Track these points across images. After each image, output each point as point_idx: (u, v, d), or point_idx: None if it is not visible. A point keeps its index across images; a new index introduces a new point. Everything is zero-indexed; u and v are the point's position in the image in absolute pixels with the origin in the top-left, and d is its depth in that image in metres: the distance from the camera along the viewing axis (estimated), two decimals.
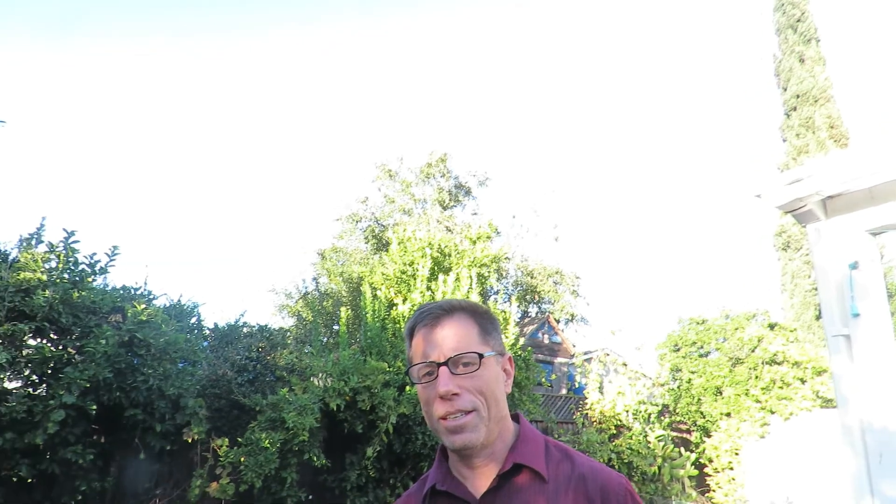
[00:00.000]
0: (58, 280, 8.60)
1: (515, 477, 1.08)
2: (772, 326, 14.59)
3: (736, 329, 14.56)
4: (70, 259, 9.00)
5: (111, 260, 9.31)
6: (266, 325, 11.55)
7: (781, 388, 13.22)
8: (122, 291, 9.27)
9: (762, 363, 13.58)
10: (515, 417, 1.19)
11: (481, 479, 1.09)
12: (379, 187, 22.60)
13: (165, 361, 8.79)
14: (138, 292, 9.46)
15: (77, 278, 8.96)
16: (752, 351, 13.87)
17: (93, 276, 9.17)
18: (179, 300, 10.84)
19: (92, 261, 9.20)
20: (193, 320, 10.84)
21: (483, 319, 1.15)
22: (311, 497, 9.81)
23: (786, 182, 2.54)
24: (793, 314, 21.10)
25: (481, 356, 1.08)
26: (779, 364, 13.49)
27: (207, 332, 10.99)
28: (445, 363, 1.07)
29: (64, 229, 8.98)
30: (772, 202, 2.66)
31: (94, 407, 8.08)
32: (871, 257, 2.47)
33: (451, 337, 1.09)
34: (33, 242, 8.89)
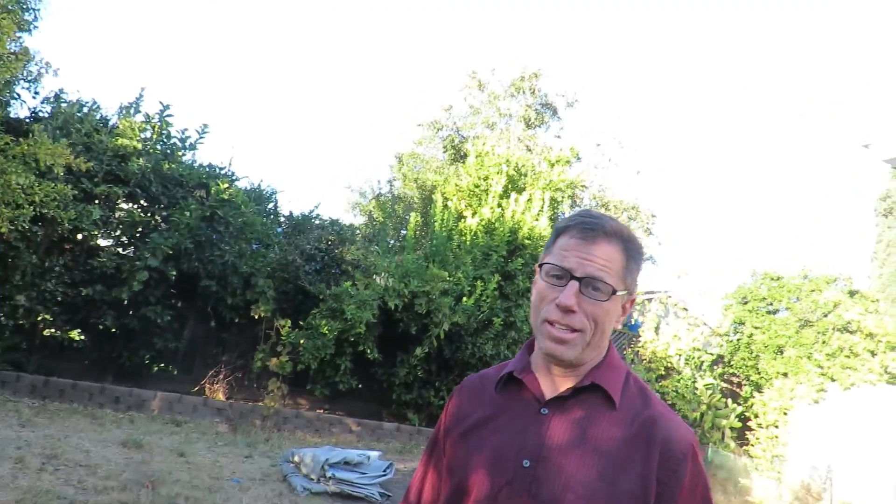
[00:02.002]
0: (151, 150, 9.10)
1: (588, 393, 1.11)
2: (852, 293, 13.87)
3: (812, 290, 13.93)
4: (164, 132, 9.46)
5: (201, 137, 9.73)
6: (338, 220, 11.94)
7: (848, 356, 12.72)
8: (207, 169, 9.74)
9: (833, 329, 13.04)
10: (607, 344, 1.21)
11: (556, 384, 1.12)
12: (465, 97, 22.16)
13: (241, 241, 9.31)
14: (223, 172, 9.90)
15: (169, 151, 9.45)
16: (825, 315, 13.30)
17: (183, 151, 9.65)
18: (259, 185, 11.29)
19: (183, 136, 9.64)
20: (270, 206, 11.31)
21: (632, 254, 1.14)
22: (360, 386, 10.44)
23: None
24: (879, 284, 19.89)
25: (614, 291, 1.09)
26: (851, 333, 12.92)
27: (283, 218, 11.47)
28: (580, 279, 1.07)
29: (160, 102, 9.39)
30: (881, 154, 2.45)
31: (174, 273, 8.73)
32: None
33: (599, 259, 1.08)
34: (132, 111, 9.36)
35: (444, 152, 21.85)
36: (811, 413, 11.44)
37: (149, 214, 8.94)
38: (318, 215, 11.54)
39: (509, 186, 12.64)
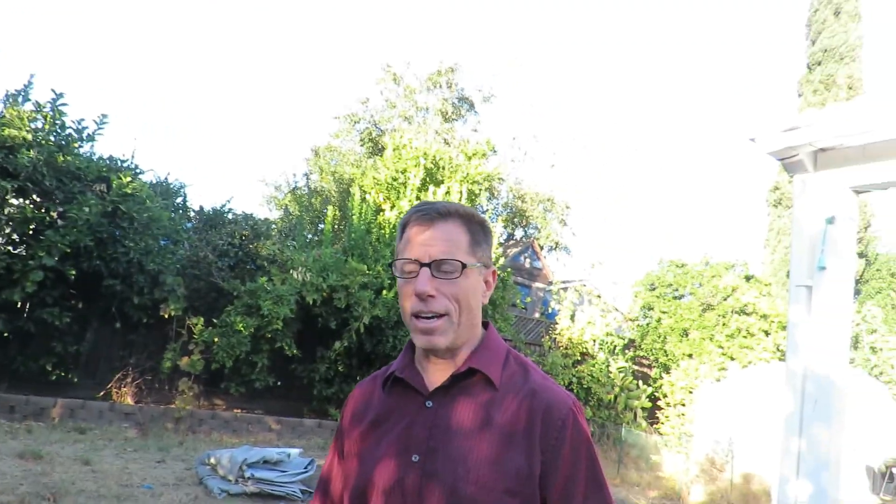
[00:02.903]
0: (43, 141, 8.45)
1: (468, 379, 1.12)
2: (748, 278, 14.88)
3: (713, 276, 14.83)
4: (57, 122, 8.80)
5: (99, 128, 9.13)
6: (252, 215, 11.56)
7: (745, 337, 13.64)
8: (108, 162, 9.17)
9: (732, 312, 13.94)
10: (485, 325, 1.22)
11: (437, 375, 1.13)
12: (381, 90, 22.01)
13: (147, 237, 8.83)
14: (125, 164, 9.36)
15: (63, 142, 8.80)
16: (725, 299, 14.20)
17: (80, 143, 9.02)
18: (166, 178, 10.76)
19: (79, 126, 9.01)
20: (179, 200, 10.81)
21: (476, 228, 1.15)
22: (279, 383, 10.19)
23: (781, 129, 2.51)
24: (771, 269, 21.45)
25: (464, 266, 1.10)
26: (748, 315, 13.86)
27: (192, 213, 10.99)
28: (428, 265, 1.09)
29: (52, 90, 8.73)
30: (765, 147, 2.63)
31: (74, 272, 8.18)
32: (849, 214, 2.49)
33: (440, 240, 1.10)
34: (20, 100, 8.66)
35: (362, 145, 21.63)
36: (714, 391, 12.17)
37: (42, 210, 8.32)
38: (230, 209, 11.14)
39: (427, 179, 12.67)
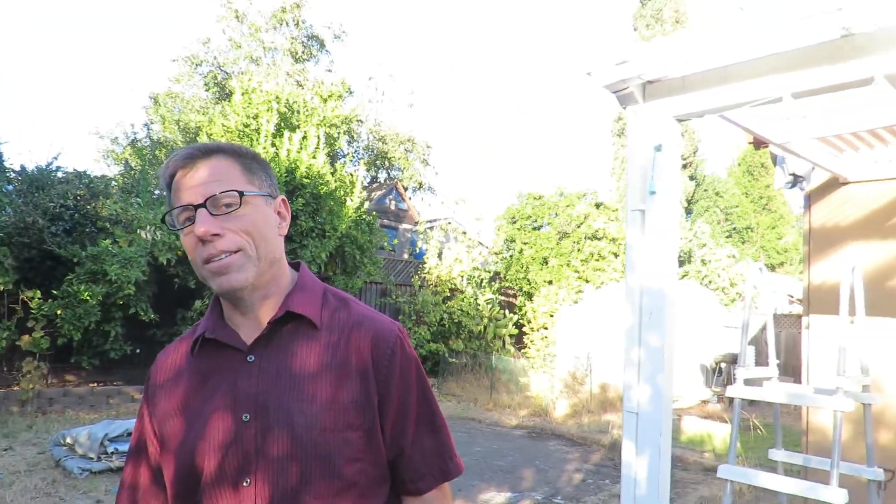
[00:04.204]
0: None
1: (288, 324, 1.07)
2: (598, 206, 15.96)
3: (567, 206, 15.75)
4: None
5: None
6: (86, 172, 10.48)
7: (598, 260, 14.75)
8: None
9: (585, 238, 14.96)
10: (296, 266, 1.17)
11: (253, 327, 1.07)
12: (223, 28, 20.43)
13: None
14: None
15: None
16: (579, 227, 15.19)
17: None
18: None
19: None
20: None
21: (246, 160, 1.08)
22: (138, 350, 9.58)
23: (613, 62, 2.64)
24: (617, 196, 23.13)
25: (242, 194, 1.02)
26: (599, 240, 14.95)
27: (12, 174, 9.76)
28: (203, 204, 1.00)
29: None
30: (600, 81, 2.77)
31: None
32: (673, 141, 2.71)
33: (209, 176, 1.02)
34: None
35: (207, 90, 20.16)
36: (572, 312, 13.13)
37: None
38: (59, 167, 10.01)
39: (282, 124, 12.10)
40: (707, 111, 2.63)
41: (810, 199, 4.62)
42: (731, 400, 3.27)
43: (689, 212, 26.60)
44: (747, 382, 3.12)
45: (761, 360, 3.34)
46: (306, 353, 1.05)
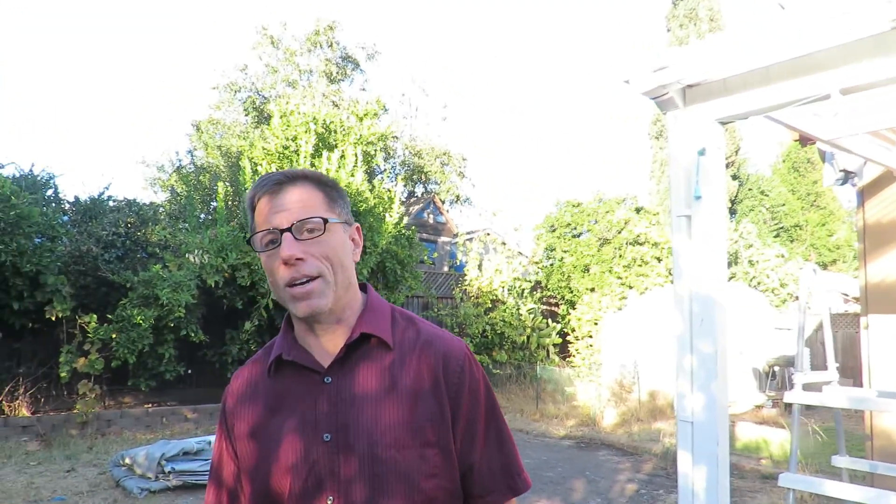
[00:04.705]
0: None
1: (362, 346, 1.10)
2: (638, 210, 15.74)
3: (607, 212, 15.56)
4: None
5: None
6: (135, 200, 10.85)
7: (640, 265, 14.51)
8: None
9: (626, 243, 14.75)
10: (363, 287, 1.19)
11: (327, 348, 1.10)
12: (260, 55, 20.98)
13: (19, 236, 8.11)
14: None
15: None
16: (619, 232, 14.98)
17: None
18: (31, 170, 9.86)
19: None
20: (50, 193, 9.96)
21: (328, 188, 1.12)
22: (189, 371, 9.82)
23: (652, 69, 2.62)
24: (657, 200, 22.75)
25: (326, 221, 1.06)
26: (641, 245, 14.72)
27: (67, 205, 10.19)
28: (289, 229, 1.04)
29: None
30: (638, 88, 2.75)
31: None
32: (716, 145, 2.67)
33: (295, 202, 1.06)
34: None
35: (247, 115, 20.67)
36: (617, 319, 12.93)
37: None
38: (110, 197, 10.41)
39: (320, 145, 12.32)
40: (751, 113, 2.58)
41: (863, 195, 4.47)
42: (789, 405, 3.18)
43: (733, 212, 25.96)
44: (806, 387, 3.02)
45: (817, 361, 3.24)
46: (380, 372, 1.09)
